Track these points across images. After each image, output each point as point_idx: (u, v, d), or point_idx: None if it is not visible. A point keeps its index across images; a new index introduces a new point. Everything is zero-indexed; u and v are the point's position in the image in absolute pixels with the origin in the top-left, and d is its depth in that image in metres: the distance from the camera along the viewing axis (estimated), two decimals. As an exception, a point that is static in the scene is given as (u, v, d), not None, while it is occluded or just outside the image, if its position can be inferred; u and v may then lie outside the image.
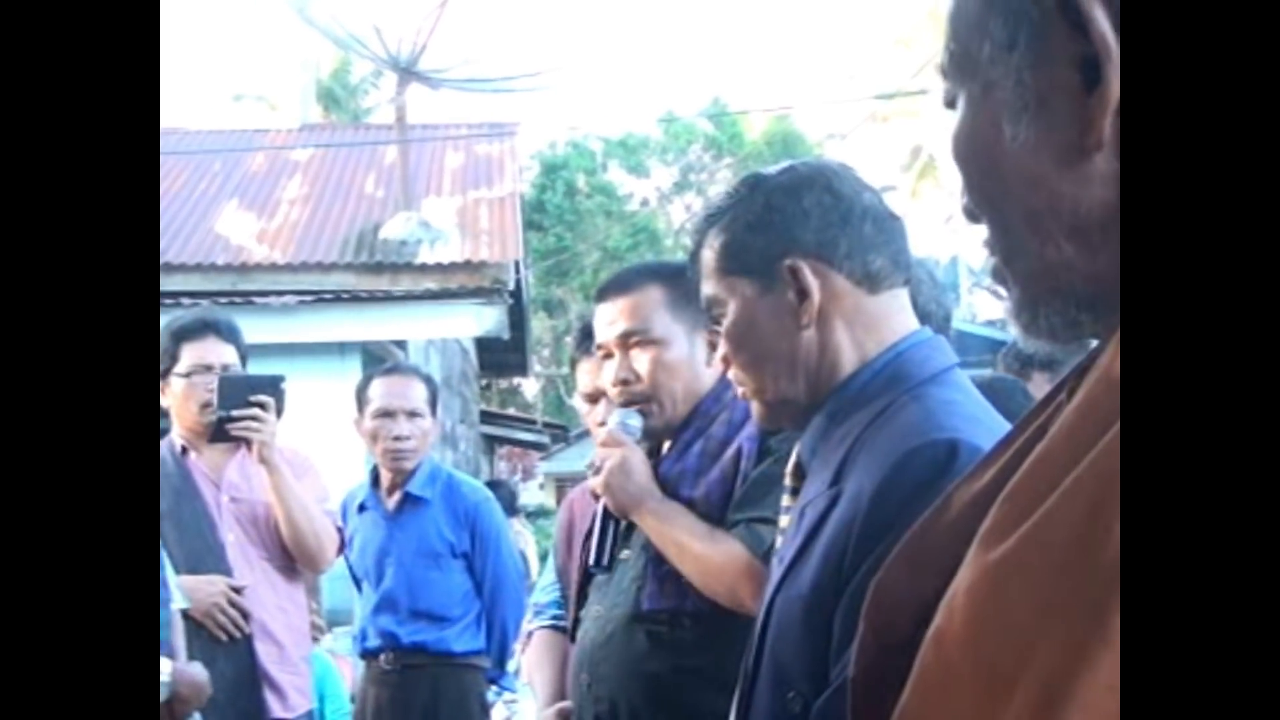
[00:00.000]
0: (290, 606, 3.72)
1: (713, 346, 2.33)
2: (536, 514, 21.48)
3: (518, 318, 13.36)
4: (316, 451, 4.14)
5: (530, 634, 3.27)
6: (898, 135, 25.16)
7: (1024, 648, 0.61)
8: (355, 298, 9.29)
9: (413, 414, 4.10)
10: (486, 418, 18.44)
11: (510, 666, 5.16)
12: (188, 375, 3.60)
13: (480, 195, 12.14)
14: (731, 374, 1.76)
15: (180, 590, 3.15)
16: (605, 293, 2.51)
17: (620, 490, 2.38)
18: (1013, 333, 0.85)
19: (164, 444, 3.70)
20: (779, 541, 1.72)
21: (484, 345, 14.70)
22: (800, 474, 1.70)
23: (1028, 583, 0.63)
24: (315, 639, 5.40)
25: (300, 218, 11.41)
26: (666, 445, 2.45)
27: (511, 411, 23.58)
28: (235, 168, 12.77)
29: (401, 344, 9.82)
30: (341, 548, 3.95)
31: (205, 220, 11.15)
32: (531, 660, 3.21)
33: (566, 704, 2.66)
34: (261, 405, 3.54)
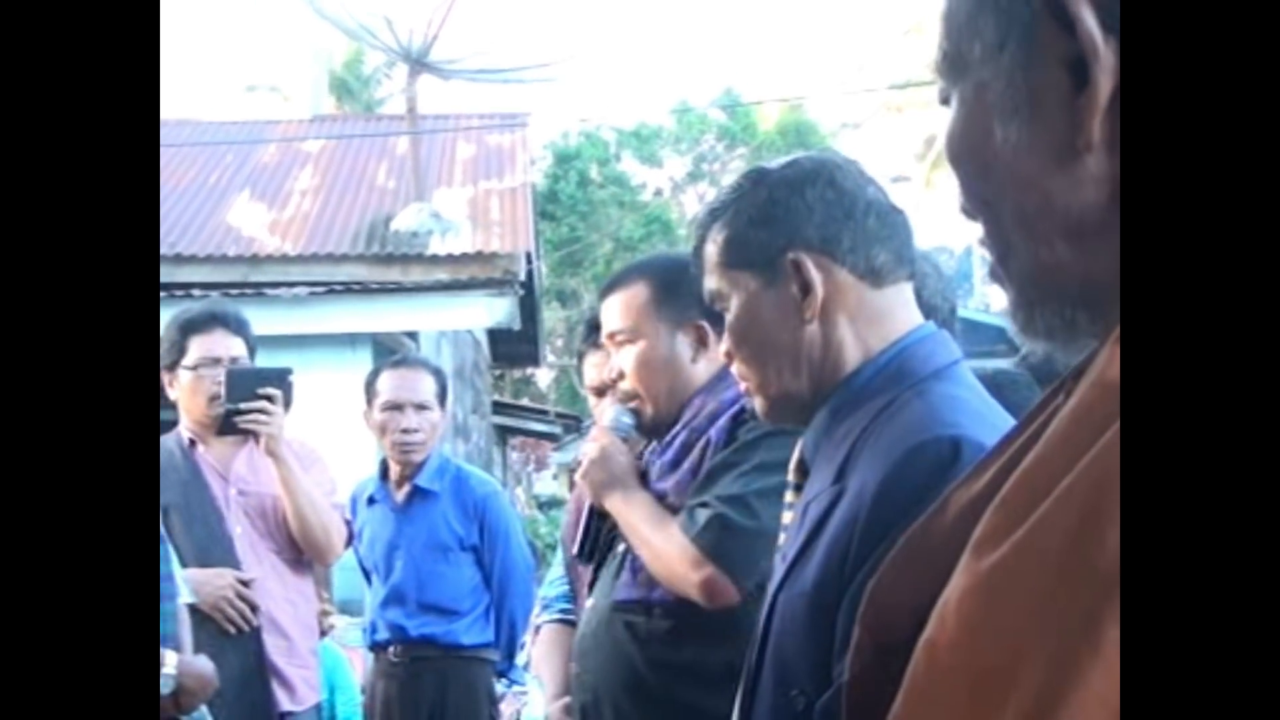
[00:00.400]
0: (298, 599, 3.72)
1: (702, 342, 2.34)
2: (549, 504, 21.50)
3: (530, 308, 13.35)
4: (328, 443, 4.15)
5: (539, 627, 3.28)
6: (911, 125, 25.11)
7: (1016, 658, 0.60)
8: (366, 289, 9.29)
9: (421, 406, 4.10)
10: (499, 408, 18.44)
11: (520, 659, 5.17)
12: (195, 368, 3.61)
13: (491, 186, 12.14)
14: (734, 369, 1.76)
15: (187, 584, 3.15)
16: (603, 291, 2.56)
17: (593, 479, 2.45)
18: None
19: (172, 437, 3.71)
20: (782, 538, 1.71)
21: (496, 336, 14.69)
22: (803, 470, 1.70)
23: (1020, 592, 0.62)
24: (325, 632, 5.41)
25: (311, 209, 11.41)
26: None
27: (524, 402, 23.57)
28: (246, 159, 12.77)
29: (413, 335, 9.82)
30: (350, 540, 3.95)
31: (217, 212, 11.15)
32: (540, 653, 3.22)
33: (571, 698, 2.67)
34: (269, 398, 3.54)
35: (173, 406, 3.72)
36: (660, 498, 2.38)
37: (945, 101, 0.84)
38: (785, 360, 1.66)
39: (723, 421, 2.34)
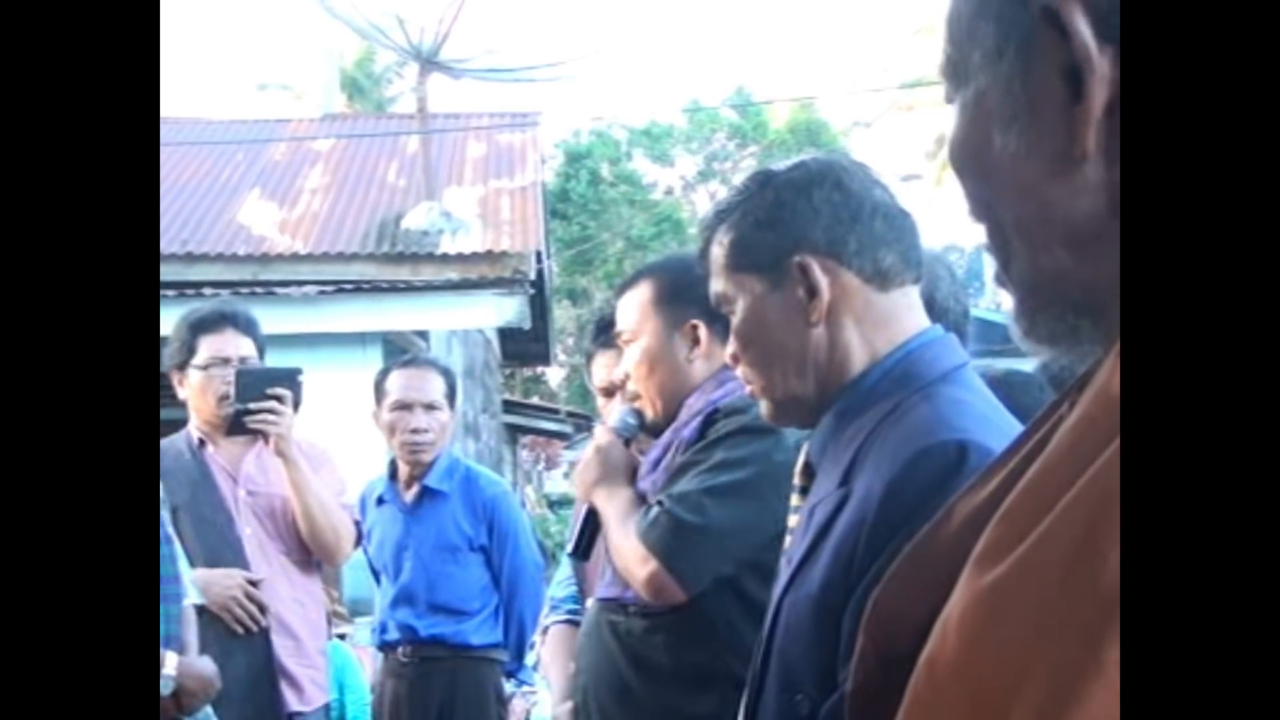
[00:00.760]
0: (307, 599, 3.72)
1: (696, 342, 2.35)
2: (559, 503, 21.52)
3: (540, 307, 13.36)
4: (338, 442, 4.14)
5: (547, 628, 3.28)
6: (922, 124, 25.06)
7: (1017, 676, 0.60)
8: (376, 288, 9.29)
9: (430, 407, 4.10)
10: (509, 407, 18.45)
11: (529, 660, 5.16)
12: (205, 368, 3.61)
13: (502, 185, 12.14)
14: (740, 371, 1.75)
15: (194, 585, 3.15)
16: (617, 291, 2.58)
17: (584, 477, 2.50)
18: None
19: (181, 436, 3.72)
20: (787, 541, 1.71)
21: (507, 335, 14.70)
22: (809, 473, 1.69)
23: (1021, 609, 0.62)
24: (340, 636, 5.42)
25: (322, 207, 11.42)
26: None
27: (535, 401, 23.57)
28: (257, 157, 12.79)
29: (423, 334, 9.82)
30: (359, 541, 3.95)
31: (227, 210, 11.17)
32: (547, 654, 3.22)
33: (576, 700, 2.68)
34: (279, 398, 3.54)
35: (182, 406, 3.73)
36: (642, 497, 2.40)
37: (951, 102, 0.83)
38: (791, 363, 1.66)
39: (696, 421, 2.36)
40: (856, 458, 1.54)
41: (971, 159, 0.80)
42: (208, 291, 7.90)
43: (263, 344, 3.75)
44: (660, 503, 2.28)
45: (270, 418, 3.53)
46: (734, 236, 1.71)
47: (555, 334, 18.36)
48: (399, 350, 8.38)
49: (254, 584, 3.52)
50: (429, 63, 11.69)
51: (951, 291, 2.23)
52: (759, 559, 2.22)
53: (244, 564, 3.55)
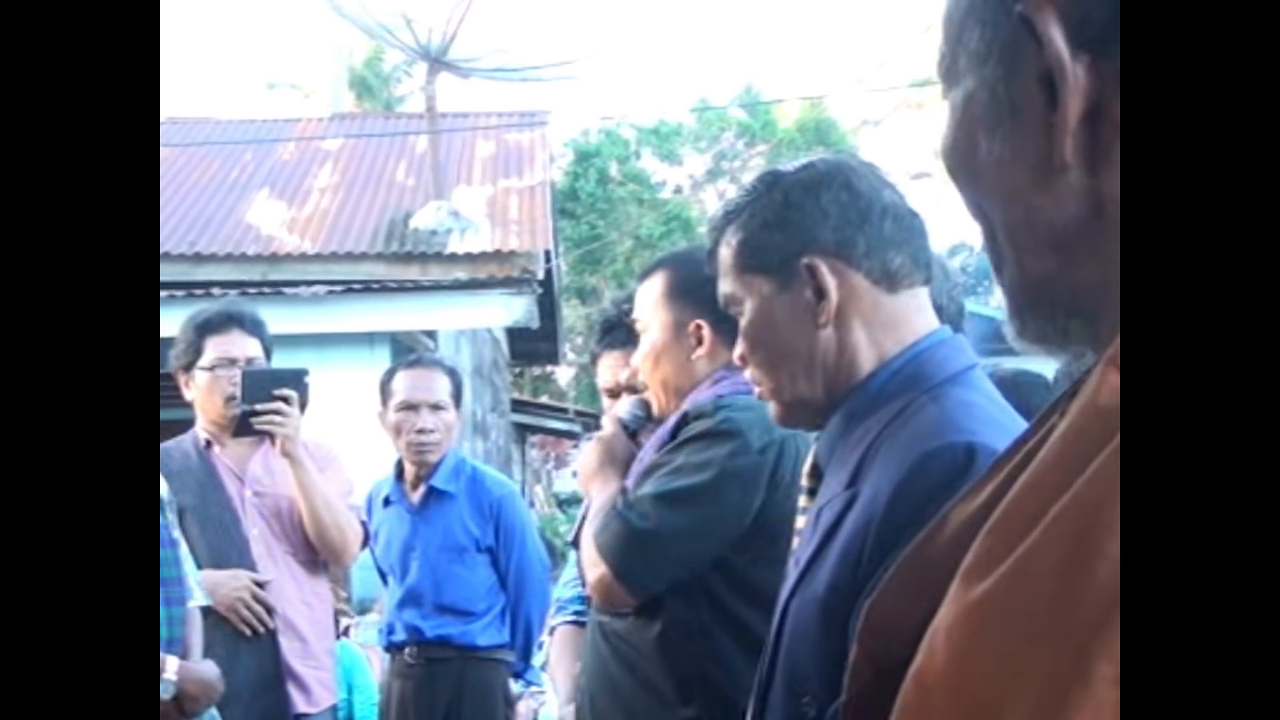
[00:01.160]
0: (314, 600, 3.72)
1: (700, 342, 2.35)
2: (569, 502, 21.52)
3: (549, 306, 13.36)
4: (347, 442, 4.14)
5: (554, 629, 3.27)
6: (932, 121, 25.06)
7: (1006, 690, 0.59)
8: (385, 287, 9.30)
9: (436, 407, 4.09)
10: (518, 406, 18.45)
11: (537, 660, 5.16)
12: (211, 369, 3.61)
13: (510, 184, 12.15)
14: (749, 373, 1.75)
15: (200, 587, 3.15)
16: (639, 278, 2.58)
17: (582, 465, 2.55)
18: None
19: (188, 438, 3.72)
20: (795, 542, 1.70)
21: (515, 334, 14.72)
22: (817, 474, 1.68)
23: (1009, 623, 0.61)
24: (344, 632, 5.42)
25: (330, 207, 11.44)
26: None
27: (544, 400, 23.57)
28: (266, 157, 12.81)
29: (431, 334, 9.83)
30: (366, 541, 3.95)
31: (236, 210, 11.19)
32: (554, 655, 3.23)
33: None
34: (285, 399, 3.54)
35: (189, 407, 3.73)
36: (624, 493, 2.41)
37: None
38: (799, 365, 1.65)
39: (670, 422, 2.37)
40: (864, 459, 1.53)
41: (961, 161, 0.80)
42: (216, 292, 7.90)
43: (269, 345, 3.75)
44: (615, 506, 2.30)
45: (276, 419, 3.53)
46: (742, 237, 1.70)
47: (564, 333, 18.35)
48: (407, 350, 8.38)
49: (261, 585, 3.52)
50: (437, 62, 11.70)
51: (944, 289, 2.22)
52: (729, 563, 2.22)
53: (251, 565, 3.55)
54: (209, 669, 2.98)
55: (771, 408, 1.74)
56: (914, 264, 1.66)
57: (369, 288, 9.25)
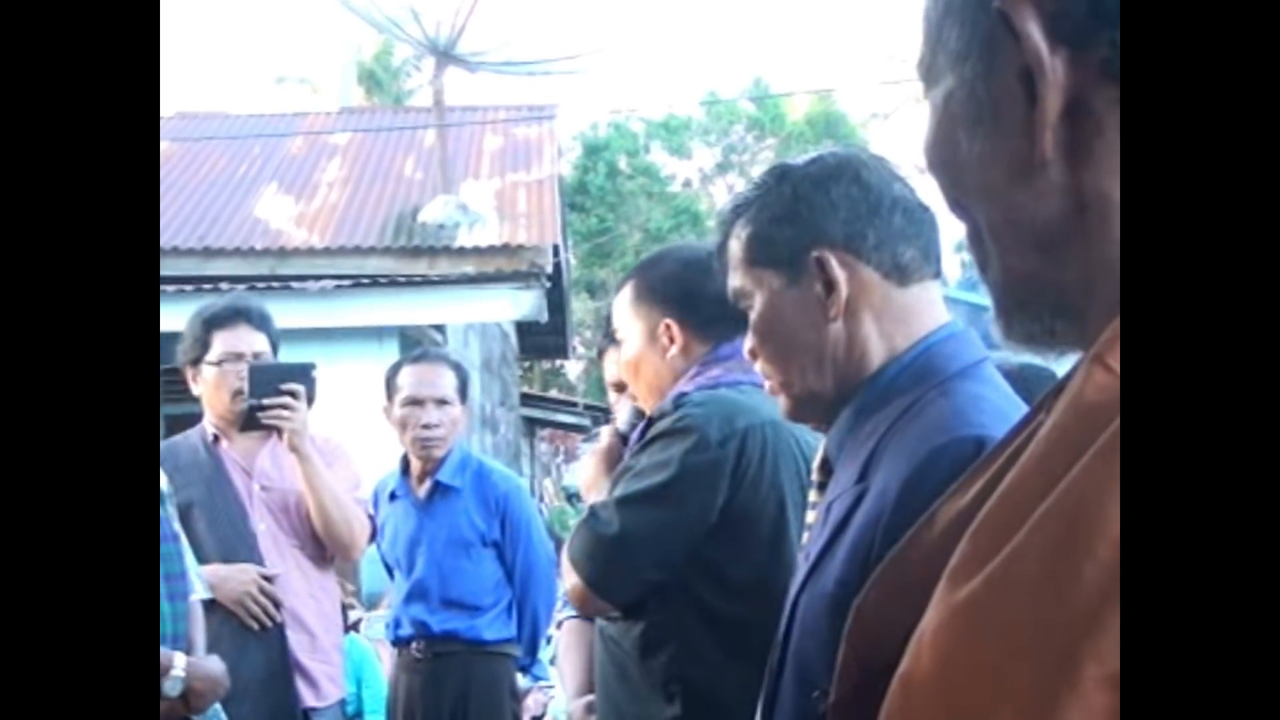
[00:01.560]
0: (322, 595, 3.72)
1: (671, 340, 2.35)
2: (578, 496, 21.57)
3: (558, 300, 13.37)
4: (355, 436, 4.14)
5: (561, 623, 3.27)
6: (941, 115, 24.97)
7: (993, 696, 0.58)
8: (393, 282, 9.31)
9: (442, 402, 4.09)
10: (527, 400, 18.48)
11: (545, 655, 5.15)
12: (219, 363, 3.60)
13: (518, 178, 12.16)
14: (759, 367, 1.74)
15: (202, 580, 3.14)
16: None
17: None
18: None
19: (196, 432, 3.72)
20: (805, 537, 1.69)
21: (524, 328, 14.73)
22: (827, 469, 1.67)
23: (995, 627, 0.60)
24: (354, 626, 5.42)
25: (339, 201, 11.45)
26: None
27: (553, 394, 23.59)
28: (274, 151, 12.83)
29: (440, 328, 9.83)
30: (373, 536, 3.94)
31: (244, 205, 11.21)
32: (561, 650, 3.21)
33: (592, 696, 2.68)
34: (292, 394, 3.53)
35: (197, 402, 3.73)
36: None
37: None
38: (809, 359, 1.64)
39: (642, 423, 2.38)
40: (874, 454, 1.53)
41: (942, 161, 0.79)
42: (224, 286, 7.92)
43: (276, 339, 3.74)
44: (584, 515, 2.32)
45: (284, 413, 3.52)
46: (751, 231, 1.69)
47: (573, 327, 18.38)
48: (415, 344, 8.38)
49: (268, 579, 3.52)
50: (445, 56, 11.71)
51: None
52: (706, 559, 2.21)
53: (258, 559, 3.55)
54: (215, 664, 2.98)
55: (781, 402, 1.73)
56: (924, 257, 1.65)
57: (377, 282, 9.26)
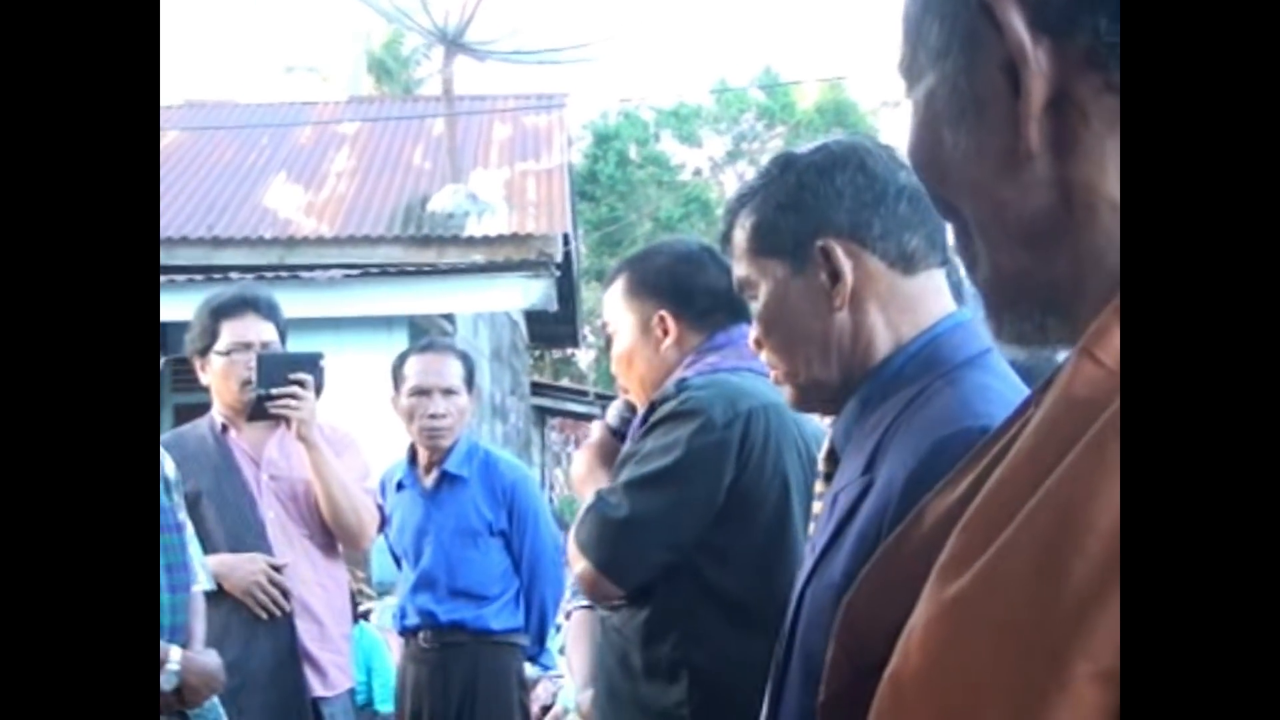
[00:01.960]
0: (330, 584, 3.72)
1: (666, 332, 2.35)
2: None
3: (568, 289, 13.37)
4: (364, 425, 4.14)
5: (569, 613, 3.27)
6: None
7: (982, 693, 0.58)
8: (402, 271, 9.31)
9: (448, 391, 4.09)
10: (538, 389, 18.46)
11: (554, 644, 5.16)
12: (227, 353, 3.60)
13: (528, 167, 12.14)
14: (764, 356, 1.73)
15: (205, 571, 3.14)
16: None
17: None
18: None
19: (204, 421, 3.73)
20: (811, 528, 1.69)
21: (534, 317, 14.73)
22: (833, 459, 1.66)
23: (984, 624, 0.60)
24: (365, 614, 5.42)
25: (348, 190, 11.45)
26: None
27: (564, 383, 23.58)
28: (283, 141, 12.83)
29: (449, 317, 9.84)
30: (382, 525, 3.95)
31: (253, 194, 11.21)
32: (570, 639, 3.22)
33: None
34: (300, 383, 3.53)
35: (205, 391, 3.74)
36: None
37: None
38: (814, 348, 1.63)
39: (643, 411, 2.38)
40: (880, 444, 1.52)
41: (926, 159, 0.79)
42: (234, 276, 7.92)
43: (285, 329, 3.74)
44: (590, 500, 2.31)
45: (292, 403, 3.52)
46: (756, 220, 1.68)
47: (584, 316, 18.36)
48: (425, 334, 8.39)
49: (277, 569, 3.52)
50: (454, 45, 11.69)
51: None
52: (711, 542, 2.21)
53: (267, 549, 3.55)
54: (212, 659, 2.97)
55: (787, 391, 1.72)
56: (930, 246, 1.64)
57: (386, 271, 9.27)
